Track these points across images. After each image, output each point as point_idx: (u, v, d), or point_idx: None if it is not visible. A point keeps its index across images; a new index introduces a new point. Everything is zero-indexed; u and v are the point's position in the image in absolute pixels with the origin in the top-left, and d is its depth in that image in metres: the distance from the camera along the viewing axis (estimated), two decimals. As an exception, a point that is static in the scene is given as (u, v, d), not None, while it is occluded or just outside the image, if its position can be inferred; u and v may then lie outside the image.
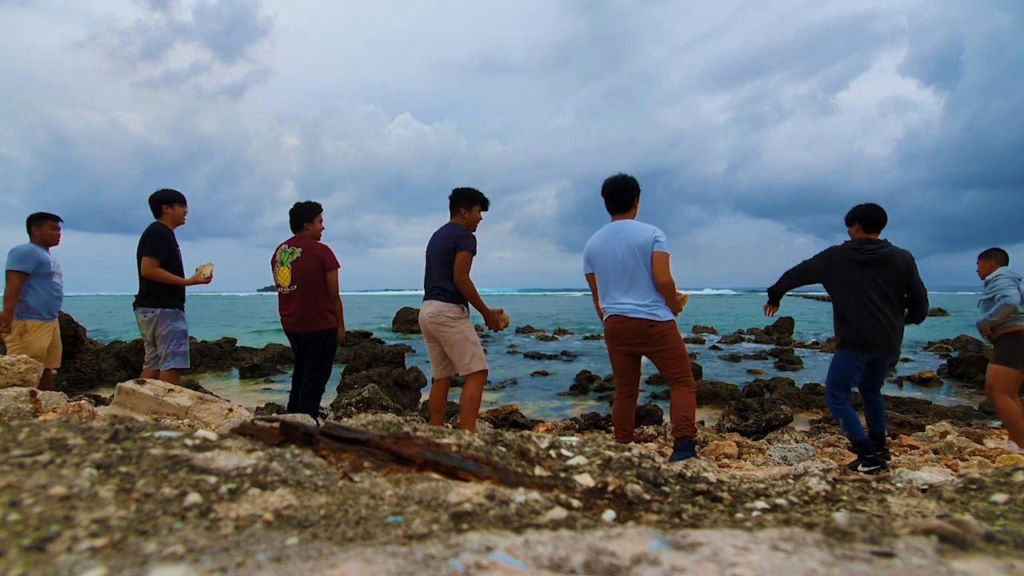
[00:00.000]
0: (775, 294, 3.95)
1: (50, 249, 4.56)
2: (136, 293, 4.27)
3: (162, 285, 4.16)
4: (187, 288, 4.40)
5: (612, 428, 6.21)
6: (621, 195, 3.53)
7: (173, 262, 4.24)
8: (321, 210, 4.23)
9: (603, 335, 3.66)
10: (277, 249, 4.20)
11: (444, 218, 3.97)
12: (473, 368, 3.74)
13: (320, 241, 4.23)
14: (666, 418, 6.61)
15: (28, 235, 4.50)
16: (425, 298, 3.86)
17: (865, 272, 3.54)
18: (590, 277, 3.64)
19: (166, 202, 4.29)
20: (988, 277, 4.38)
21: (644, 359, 3.64)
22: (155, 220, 4.27)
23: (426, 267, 3.89)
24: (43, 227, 4.50)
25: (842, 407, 3.72)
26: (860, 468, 3.68)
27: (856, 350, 3.61)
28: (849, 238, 3.74)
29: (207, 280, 4.32)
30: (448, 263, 3.72)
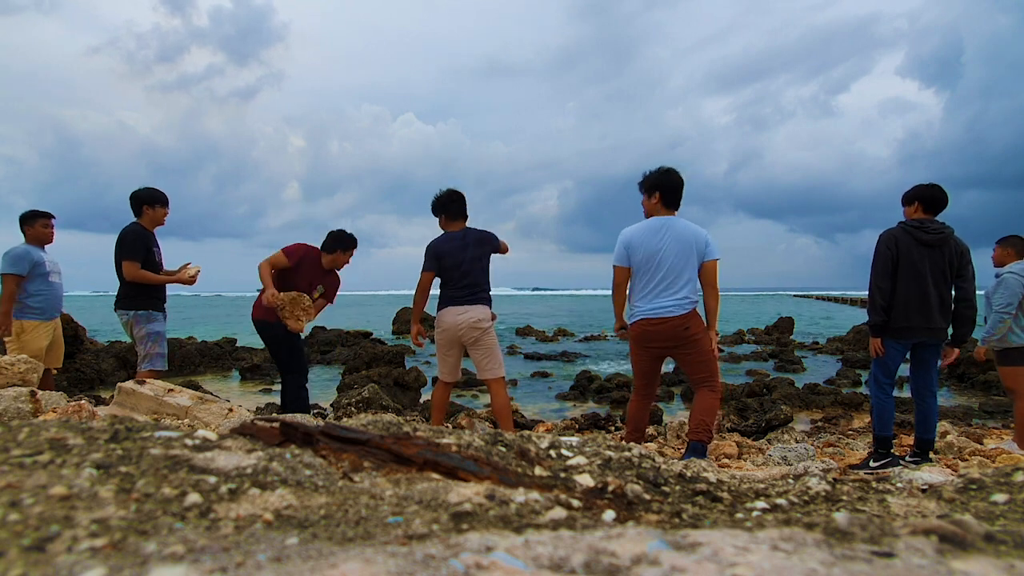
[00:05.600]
0: (882, 324, 3.57)
1: (46, 248, 4.47)
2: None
3: (137, 287, 4.09)
4: (190, 287, 4.41)
5: (612, 428, 6.21)
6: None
7: (151, 262, 4.16)
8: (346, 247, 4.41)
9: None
10: None
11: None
12: (502, 372, 3.86)
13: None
14: (667, 418, 6.61)
15: (21, 234, 4.41)
16: (457, 303, 3.77)
17: (926, 252, 3.50)
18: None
19: (147, 202, 4.21)
20: (999, 271, 4.25)
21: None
22: (134, 220, 4.19)
23: (455, 272, 3.77)
24: (35, 225, 4.41)
25: (883, 397, 3.68)
26: (872, 463, 3.67)
27: (898, 336, 3.56)
28: (903, 217, 3.68)
29: (190, 280, 4.28)
30: (487, 266, 3.86)
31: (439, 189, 3.96)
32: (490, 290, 3.89)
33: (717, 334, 3.49)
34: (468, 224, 3.95)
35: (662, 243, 3.31)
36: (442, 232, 3.92)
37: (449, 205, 3.90)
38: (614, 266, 3.47)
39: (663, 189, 3.38)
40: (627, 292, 3.53)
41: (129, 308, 4.11)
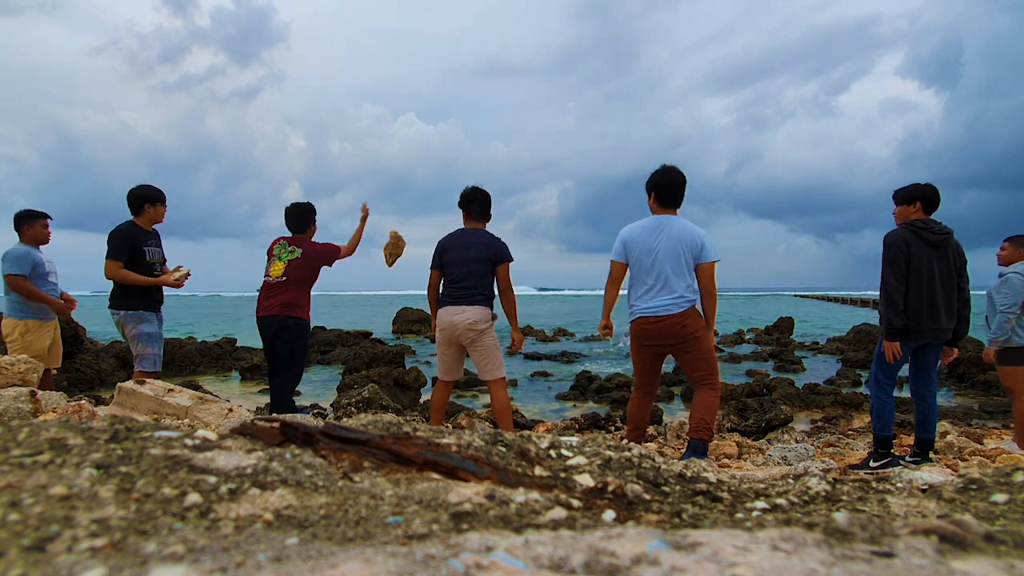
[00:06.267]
0: (902, 327, 3.52)
1: (41, 248, 4.43)
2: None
3: (126, 287, 4.04)
4: (189, 287, 4.38)
5: (612, 428, 6.21)
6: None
7: (139, 262, 4.07)
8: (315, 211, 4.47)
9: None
10: (275, 243, 4.31)
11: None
12: (502, 372, 3.84)
13: (315, 240, 4.36)
14: (667, 418, 6.61)
15: (17, 234, 4.36)
16: (455, 302, 3.77)
17: (933, 253, 3.51)
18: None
19: (149, 200, 4.15)
20: (1003, 271, 4.21)
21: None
22: (130, 218, 4.13)
23: (456, 271, 3.78)
24: (35, 226, 4.36)
25: (884, 397, 3.68)
26: (872, 463, 3.67)
27: (905, 337, 3.54)
28: (896, 217, 3.68)
29: (175, 283, 4.19)
30: (489, 271, 3.79)
31: (470, 185, 3.96)
32: (492, 291, 3.86)
33: (717, 333, 3.46)
34: (480, 225, 3.91)
35: (657, 242, 3.36)
36: (460, 227, 3.95)
37: (469, 204, 3.91)
38: (611, 261, 3.55)
39: (658, 189, 3.46)
40: (622, 290, 3.57)
41: (120, 308, 4.07)
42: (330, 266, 4.34)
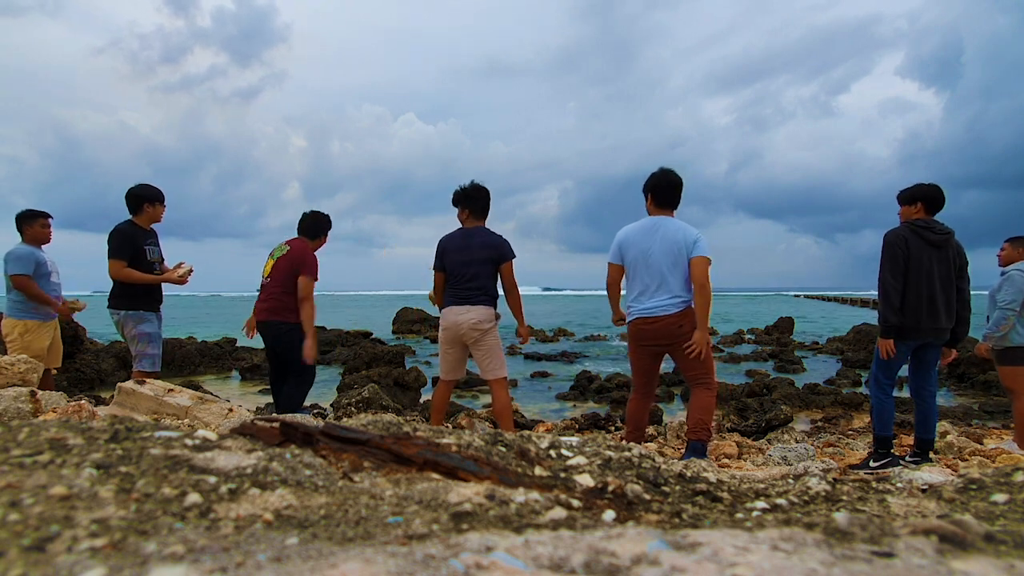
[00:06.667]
0: (897, 324, 3.52)
1: (43, 247, 4.44)
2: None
3: (127, 286, 4.03)
4: (188, 287, 4.38)
5: (612, 428, 6.21)
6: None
7: (140, 261, 4.07)
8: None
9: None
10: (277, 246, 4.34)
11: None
12: (504, 372, 3.82)
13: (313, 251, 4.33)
14: (666, 418, 6.61)
15: (19, 234, 4.38)
16: (459, 302, 3.73)
17: (934, 253, 3.52)
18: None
19: (148, 200, 4.14)
20: (1005, 269, 4.22)
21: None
22: (129, 217, 4.12)
23: (459, 271, 3.75)
24: (34, 225, 4.37)
25: (883, 397, 3.68)
26: (872, 463, 3.67)
27: (904, 336, 3.54)
28: (901, 217, 3.69)
29: (179, 280, 4.19)
30: (492, 271, 3.75)
31: (470, 181, 3.85)
32: (496, 291, 3.83)
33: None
34: (481, 223, 3.86)
35: (652, 243, 3.38)
36: (459, 226, 3.88)
37: (472, 201, 3.81)
38: (608, 264, 3.58)
39: (655, 190, 3.49)
40: (620, 290, 3.58)
41: (120, 308, 4.06)
42: (297, 274, 4.13)
